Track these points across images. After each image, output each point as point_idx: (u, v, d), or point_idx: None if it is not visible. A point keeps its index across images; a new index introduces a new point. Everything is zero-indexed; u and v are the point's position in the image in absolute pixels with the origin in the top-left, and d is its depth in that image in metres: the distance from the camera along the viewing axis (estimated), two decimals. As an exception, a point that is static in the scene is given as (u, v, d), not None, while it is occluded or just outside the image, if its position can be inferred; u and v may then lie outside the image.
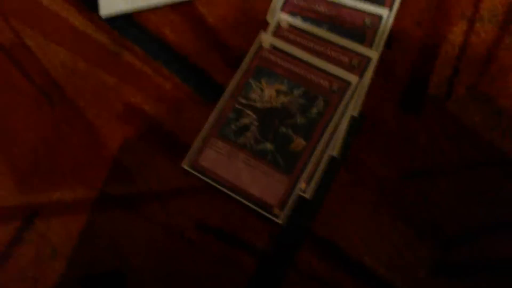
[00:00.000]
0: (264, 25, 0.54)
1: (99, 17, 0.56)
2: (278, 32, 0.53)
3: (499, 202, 0.45)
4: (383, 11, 0.52)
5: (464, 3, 0.52)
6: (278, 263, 0.45)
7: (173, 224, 0.48)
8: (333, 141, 0.48)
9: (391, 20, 0.52)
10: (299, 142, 0.48)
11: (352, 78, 0.49)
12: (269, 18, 0.54)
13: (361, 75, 0.49)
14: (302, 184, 0.47)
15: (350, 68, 0.50)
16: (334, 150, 0.48)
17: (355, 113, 0.49)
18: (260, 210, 0.46)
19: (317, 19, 0.53)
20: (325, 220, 0.46)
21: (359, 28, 0.52)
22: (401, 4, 0.53)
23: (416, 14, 0.52)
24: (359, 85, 0.49)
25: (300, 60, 0.51)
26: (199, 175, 0.48)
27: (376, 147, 0.48)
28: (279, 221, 0.45)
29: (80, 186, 0.50)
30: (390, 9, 0.52)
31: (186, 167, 0.48)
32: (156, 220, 0.48)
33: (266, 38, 0.51)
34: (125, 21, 0.56)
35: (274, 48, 0.52)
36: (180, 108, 0.52)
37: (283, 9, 0.54)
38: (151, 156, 0.50)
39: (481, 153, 0.46)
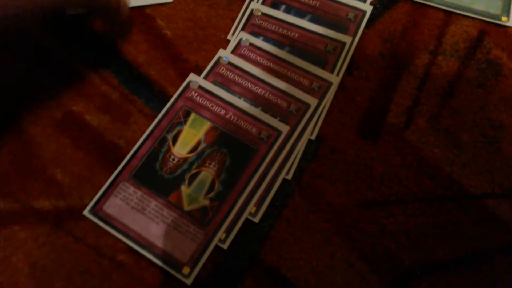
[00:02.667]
0: (225, 43, 0.55)
1: (49, 21, 0.56)
2: (238, 50, 0.54)
3: (457, 237, 0.45)
4: (346, 39, 0.54)
5: (427, 36, 0.55)
6: (218, 293, 0.43)
7: (103, 245, 0.45)
8: (288, 164, 0.48)
9: (353, 47, 0.54)
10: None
11: (311, 100, 0.50)
12: (230, 36, 0.55)
13: (320, 99, 0.50)
14: (251, 208, 0.46)
15: (310, 91, 0.51)
16: (288, 173, 0.48)
17: (313, 137, 0.49)
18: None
19: (279, 41, 0.54)
20: (274, 247, 0.45)
21: (321, 53, 0.53)
22: (365, 33, 0.55)
23: (379, 44, 0.55)
24: (318, 108, 0.50)
25: (259, 79, 0.51)
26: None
27: (332, 174, 0.48)
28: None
29: (0, 197, 0.47)
30: (353, 37, 0.54)
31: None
32: (86, 240, 0.45)
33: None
34: (75, 26, 0.56)
35: (231, 65, 0.53)
36: (126, 120, 0.51)
37: (245, 28, 0.55)
38: (89, 170, 0.48)
39: (439, 186, 0.47)
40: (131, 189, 0.46)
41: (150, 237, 0.44)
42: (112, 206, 0.46)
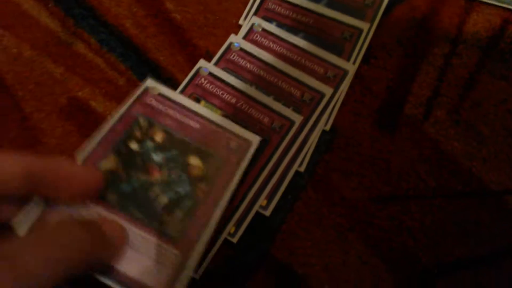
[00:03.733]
0: (236, 28, 0.53)
1: (54, 3, 0.54)
2: (250, 36, 0.52)
3: (477, 235, 0.43)
4: (363, 25, 0.51)
5: (447, 25, 0.52)
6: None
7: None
8: (301, 155, 0.46)
9: (370, 35, 0.51)
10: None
11: (326, 89, 0.48)
12: (242, 21, 0.53)
13: (335, 88, 0.48)
14: (262, 201, 0.44)
15: (324, 80, 0.49)
16: (301, 165, 0.46)
17: (327, 128, 0.47)
18: None
19: (293, 27, 0.52)
20: (285, 242, 0.43)
21: (337, 40, 0.51)
22: (383, 20, 0.53)
23: (398, 32, 0.52)
24: (333, 98, 0.48)
25: (271, 66, 0.49)
26: None
27: (347, 167, 0.46)
28: None
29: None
30: (371, 24, 0.52)
31: None
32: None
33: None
34: (83, 9, 0.54)
35: (242, 50, 0.50)
36: (133, 107, 0.49)
37: (257, 13, 0.53)
38: (94, 158, 0.46)
39: (459, 181, 0.45)
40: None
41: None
42: None
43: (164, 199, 0.41)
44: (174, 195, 0.41)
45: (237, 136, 0.43)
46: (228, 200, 0.40)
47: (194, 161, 0.42)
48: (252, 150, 0.42)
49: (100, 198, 0.40)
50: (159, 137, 0.43)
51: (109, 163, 0.41)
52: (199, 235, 0.38)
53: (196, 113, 0.44)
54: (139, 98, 0.44)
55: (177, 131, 0.43)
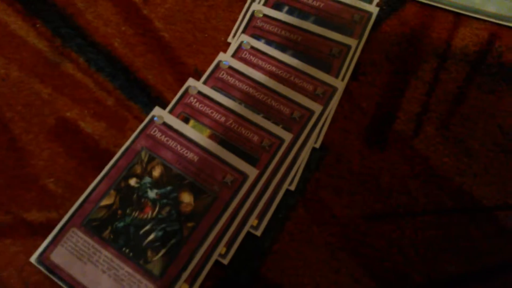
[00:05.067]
0: (225, 46, 0.53)
1: (42, 22, 0.53)
2: (239, 54, 0.52)
3: (468, 251, 0.43)
4: (351, 42, 0.52)
5: (436, 39, 0.53)
6: (218, 311, 0.41)
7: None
8: (291, 174, 0.45)
9: (359, 51, 0.51)
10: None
11: (316, 107, 0.48)
12: (230, 39, 0.53)
13: (325, 105, 0.48)
14: (253, 221, 0.44)
15: (314, 97, 0.49)
16: (291, 184, 0.45)
17: (317, 145, 0.47)
18: None
19: (282, 44, 0.52)
20: (276, 262, 0.43)
21: (326, 57, 0.51)
22: (371, 36, 0.53)
23: (386, 47, 0.53)
24: (323, 115, 0.48)
25: (260, 84, 0.49)
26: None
27: (337, 184, 0.46)
28: None
29: (-9, 208, 0.45)
30: (359, 40, 0.52)
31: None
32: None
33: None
34: (70, 29, 0.54)
35: (231, 69, 0.50)
36: (122, 127, 0.49)
37: (246, 31, 0.53)
38: (83, 179, 0.46)
39: (449, 197, 0.45)
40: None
41: None
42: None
43: (151, 237, 0.42)
44: (162, 233, 0.42)
45: (234, 169, 0.44)
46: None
47: (186, 198, 0.43)
48: (247, 185, 0.43)
49: (95, 232, 0.42)
50: (157, 172, 0.44)
51: (108, 199, 0.43)
52: (180, 274, 0.40)
53: (196, 144, 0.45)
54: (144, 129, 0.46)
55: (175, 165, 0.44)
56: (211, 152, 0.46)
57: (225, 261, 0.42)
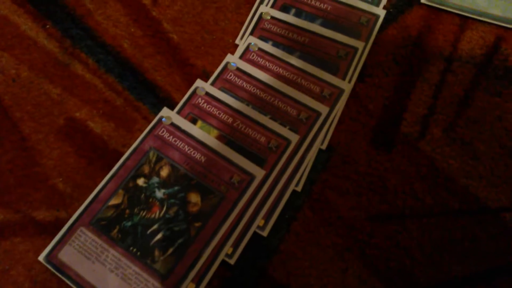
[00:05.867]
0: (233, 48, 0.53)
1: (52, 24, 0.54)
2: (247, 55, 0.52)
3: (474, 252, 0.43)
4: (358, 44, 0.52)
5: (442, 42, 0.53)
6: (225, 310, 0.41)
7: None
8: (297, 174, 0.46)
9: (365, 53, 0.52)
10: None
11: (322, 108, 0.48)
12: (238, 41, 0.53)
13: (332, 106, 0.48)
14: (260, 221, 0.44)
15: (320, 99, 0.49)
16: (298, 185, 0.46)
17: (323, 147, 0.47)
18: None
19: (289, 46, 0.52)
20: (283, 262, 0.43)
21: (333, 59, 0.51)
22: (378, 38, 0.53)
23: (393, 50, 0.53)
24: (329, 116, 0.48)
25: (267, 86, 0.49)
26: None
27: (344, 186, 0.46)
28: None
29: (0, 207, 0.45)
30: (366, 42, 0.52)
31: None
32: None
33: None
34: (80, 30, 0.54)
35: (239, 70, 0.51)
36: (130, 127, 0.49)
37: (253, 33, 0.53)
38: (92, 179, 0.46)
39: (455, 199, 0.45)
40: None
41: None
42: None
43: (159, 236, 0.42)
44: (169, 233, 0.42)
45: (241, 169, 0.44)
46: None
47: (193, 198, 0.43)
48: (254, 185, 0.43)
49: (103, 231, 0.42)
50: (165, 172, 0.44)
51: (117, 199, 0.44)
52: (187, 273, 0.41)
53: (204, 145, 0.46)
54: (152, 129, 0.46)
55: (182, 165, 0.44)
56: (218, 153, 0.46)
57: (232, 261, 0.42)
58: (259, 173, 0.45)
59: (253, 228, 0.43)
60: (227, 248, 0.42)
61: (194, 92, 0.50)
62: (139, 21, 0.55)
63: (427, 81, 0.51)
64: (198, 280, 0.41)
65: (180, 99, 0.50)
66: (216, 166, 0.45)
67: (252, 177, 0.45)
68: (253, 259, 0.43)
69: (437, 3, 0.55)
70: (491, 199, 0.45)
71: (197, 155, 0.46)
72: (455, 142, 0.48)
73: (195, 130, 0.47)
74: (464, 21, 0.54)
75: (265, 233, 0.44)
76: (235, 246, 0.43)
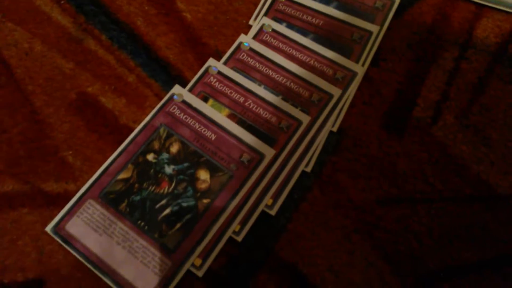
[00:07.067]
0: (246, 28, 0.53)
1: (66, 0, 0.54)
2: (260, 36, 0.51)
3: (483, 239, 0.42)
4: (373, 28, 0.51)
5: (457, 29, 0.52)
6: (232, 286, 0.41)
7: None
8: (307, 155, 0.45)
9: (380, 37, 0.51)
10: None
11: (335, 90, 0.48)
12: (252, 22, 0.53)
13: (344, 89, 0.48)
14: (268, 200, 0.43)
15: (333, 81, 0.48)
16: (307, 166, 0.45)
17: (334, 129, 0.47)
18: None
19: (303, 28, 0.52)
20: (290, 241, 0.42)
21: (347, 42, 0.51)
22: (393, 23, 0.52)
23: (407, 35, 0.52)
24: (341, 99, 0.47)
25: (280, 67, 0.49)
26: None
27: (354, 168, 0.46)
28: None
29: (10, 178, 0.45)
30: (381, 26, 0.52)
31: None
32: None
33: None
34: (94, 7, 0.54)
35: (252, 50, 0.50)
36: (142, 103, 0.49)
37: (267, 14, 0.53)
38: (101, 153, 0.46)
39: (466, 185, 0.45)
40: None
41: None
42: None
43: (167, 211, 0.42)
44: (178, 208, 0.42)
45: (252, 148, 0.44)
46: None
47: (203, 175, 0.43)
48: (263, 165, 0.43)
49: (112, 204, 0.42)
50: (175, 148, 0.44)
51: (126, 173, 0.43)
52: (194, 249, 0.40)
53: (214, 123, 0.45)
54: (163, 106, 0.46)
55: (192, 142, 0.44)
56: (229, 131, 0.45)
57: (239, 238, 0.42)
58: (269, 152, 0.44)
59: (261, 207, 0.43)
60: (235, 225, 0.42)
61: (206, 70, 0.49)
62: (153, -1, 0.55)
63: (441, 67, 0.50)
64: (205, 255, 0.41)
65: (192, 77, 0.49)
66: (226, 144, 0.45)
67: (262, 156, 0.44)
68: (261, 238, 0.43)
69: (453, -10, 0.54)
70: (503, 186, 0.45)
71: (208, 133, 0.45)
72: (468, 128, 0.47)
73: (206, 108, 0.47)
74: (480, 9, 0.54)
75: (273, 212, 0.43)
76: (243, 223, 0.42)
